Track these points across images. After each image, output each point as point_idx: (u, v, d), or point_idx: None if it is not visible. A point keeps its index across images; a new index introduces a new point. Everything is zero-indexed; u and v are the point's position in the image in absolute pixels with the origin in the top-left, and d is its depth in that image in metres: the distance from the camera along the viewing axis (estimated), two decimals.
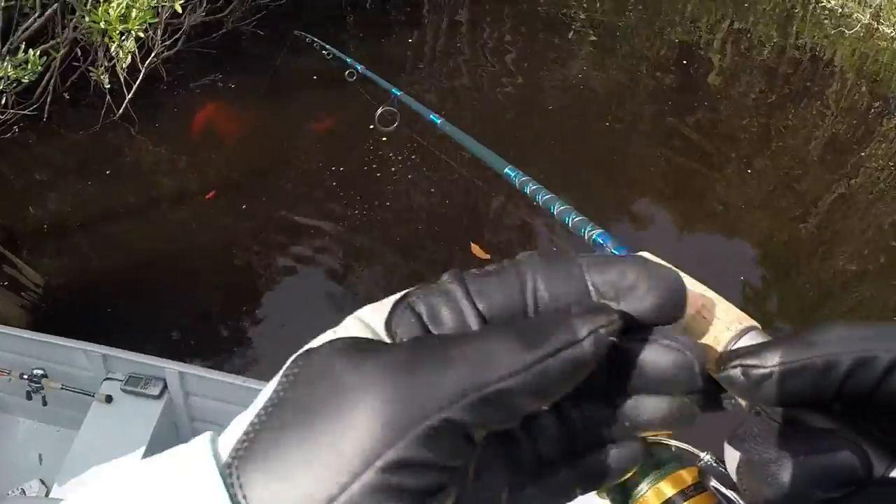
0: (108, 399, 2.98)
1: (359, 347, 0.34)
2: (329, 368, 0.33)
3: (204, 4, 7.54)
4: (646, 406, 0.37)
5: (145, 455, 2.78)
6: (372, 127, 3.40)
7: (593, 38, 8.74)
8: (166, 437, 2.98)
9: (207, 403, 2.98)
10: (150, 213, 5.64)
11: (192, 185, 5.99)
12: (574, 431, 0.38)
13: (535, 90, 7.56)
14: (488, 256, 4.89)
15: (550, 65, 7.99)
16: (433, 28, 9.17)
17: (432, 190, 5.81)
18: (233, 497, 0.30)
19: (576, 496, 0.39)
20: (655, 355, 0.35)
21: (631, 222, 5.64)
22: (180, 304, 4.72)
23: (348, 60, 4.25)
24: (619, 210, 5.66)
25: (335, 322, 0.38)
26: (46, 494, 3.14)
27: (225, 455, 0.32)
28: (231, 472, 0.31)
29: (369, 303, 0.39)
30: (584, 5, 9.76)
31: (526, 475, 0.38)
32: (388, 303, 0.37)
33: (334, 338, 0.35)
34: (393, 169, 5.98)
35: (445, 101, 7.39)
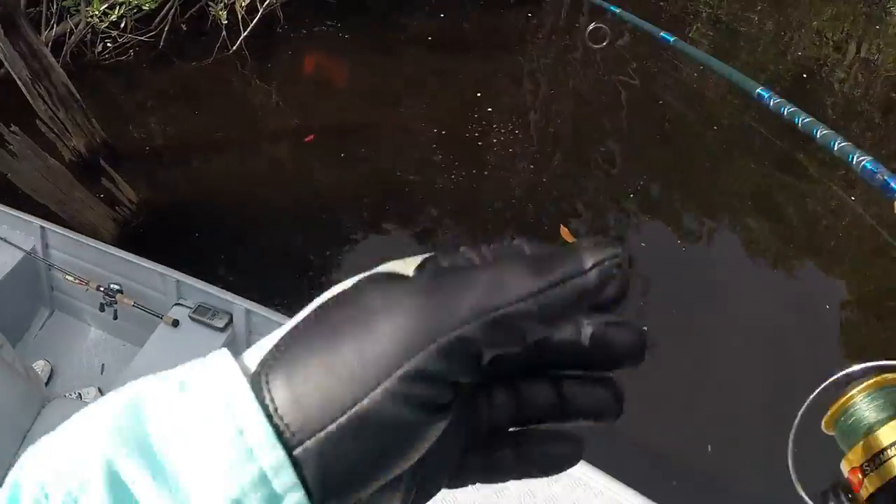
0: (175, 323, 2.90)
1: (388, 277, 0.37)
2: (360, 294, 0.36)
3: None
4: (581, 391, 0.39)
5: None
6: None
7: (712, 38, 8.29)
8: None
9: None
10: (248, 149, 5.60)
11: (294, 127, 5.91)
12: (522, 403, 0.40)
13: (645, 87, 7.18)
14: (573, 241, 4.56)
15: (664, 61, 7.59)
16: (554, 9, 8.90)
17: (531, 166, 5.53)
18: (261, 400, 0.32)
19: (510, 479, 0.40)
20: (607, 330, 0.37)
21: (712, 238, 5.14)
22: (260, 242, 4.65)
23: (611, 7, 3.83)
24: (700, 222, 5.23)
25: None
26: None
27: (253, 367, 0.35)
28: (261, 379, 0.34)
29: None
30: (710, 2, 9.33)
31: (479, 443, 0.40)
32: (413, 260, 0.38)
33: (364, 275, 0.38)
34: (495, 140, 5.77)
35: (557, 80, 7.18)
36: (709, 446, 3.41)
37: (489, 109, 6.17)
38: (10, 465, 0.33)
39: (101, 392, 3.23)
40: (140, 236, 4.45)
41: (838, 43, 8.59)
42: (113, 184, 4.42)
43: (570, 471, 2.09)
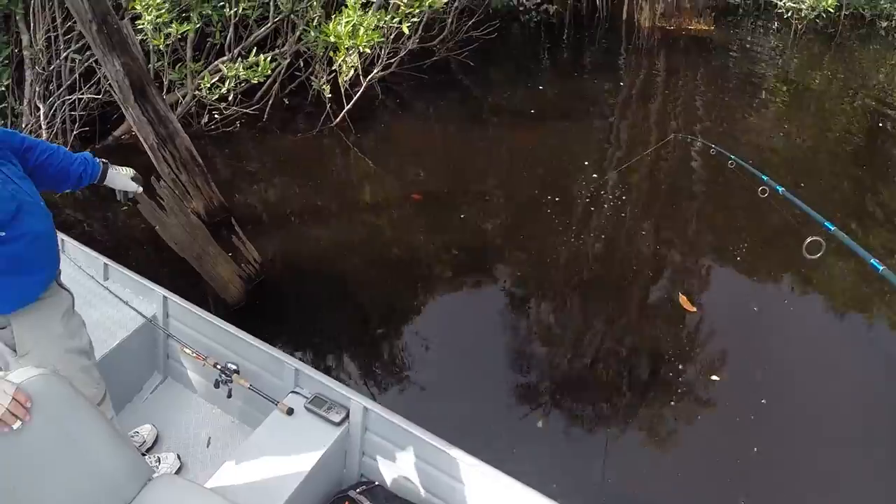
0: (290, 412, 2.64)
1: None
2: None
3: (419, 31, 7.32)
4: None
5: (309, 476, 2.47)
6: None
7: (782, 99, 7.83)
8: (334, 464, 2.65)
9: (382, 443, 2.62)
10: (350, 215, 5.34)
11: (394, 193, 5.64)
12: None
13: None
14: (694, 310, 4.18)
15: (738, 121, 7.15)
16: (629, 74, 8.58)
17: (643, 232, 5.05)
18: None
19: None
20: None
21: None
22: (358, 300, 4.41)
23: (764, 178, 3.87)
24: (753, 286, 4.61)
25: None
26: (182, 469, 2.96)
27: None
28: None
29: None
30: (778, 64, 8.91)
31: None
32: None
33: None
34: (606, 206, 5.35)
35: (630, 142, 6.78)
36: None
37: (595, 175, 5.80)
38: None
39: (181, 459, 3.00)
40: (261, 293, 4.36)
41: None
42: (241, 242, 4.35)
43: None
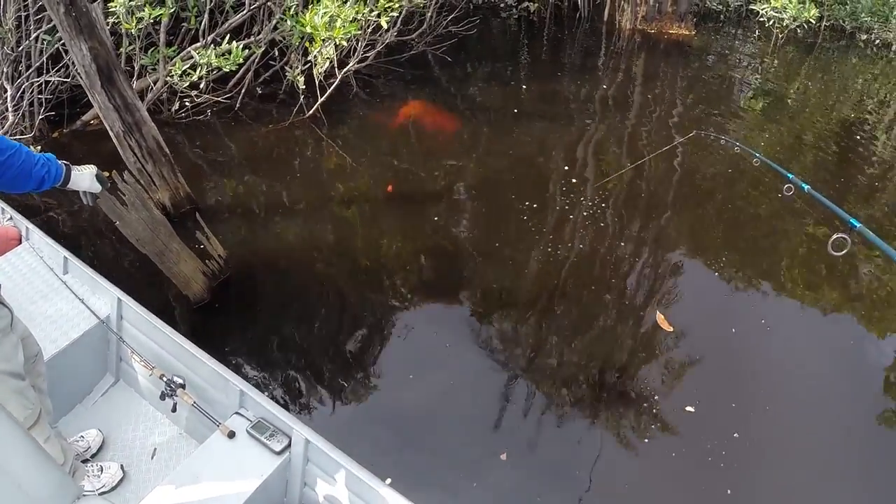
0: (231, 435, 2.51)
1: None
2: None
3: (397, 24, 7.15)
4: None
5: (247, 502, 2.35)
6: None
7: (762, 104, 7.73)
8: (274, 493, 2.51)
9: (324, 477, 2.49)
10: (322, 209, 5.19)
11: (367, 189, 5.47)
12: None
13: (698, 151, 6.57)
14: (671, 330, 4.04)
15: (717, 125, 7.03)
16: (609, 75, 8.43)
17: (621, 243, 4.89)
18: None
19: None
20: None
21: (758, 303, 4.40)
22: (328, 311, 4.22)
23: (789, 176, 3.74)
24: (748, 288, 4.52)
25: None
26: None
27: None
28: None
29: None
30: (758, 70, 8.82)
31: None
32: None
33: None
34: (585, 214, 5.19)
35: (608, 145, 6.61)
36: None
37: (574, 181, 5.66)
38: None
39: (123, 470, 2.84)
40: (225, 290, 4.26)
41: (878, 106, 7.93)
42: (205, 237, 4.17)
43: None
